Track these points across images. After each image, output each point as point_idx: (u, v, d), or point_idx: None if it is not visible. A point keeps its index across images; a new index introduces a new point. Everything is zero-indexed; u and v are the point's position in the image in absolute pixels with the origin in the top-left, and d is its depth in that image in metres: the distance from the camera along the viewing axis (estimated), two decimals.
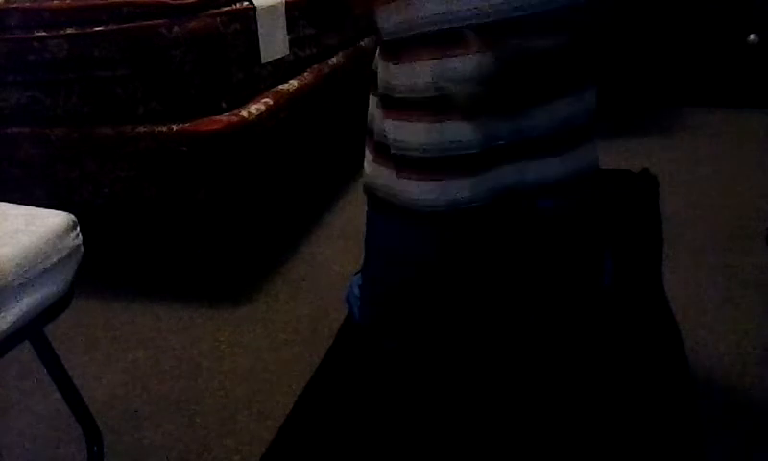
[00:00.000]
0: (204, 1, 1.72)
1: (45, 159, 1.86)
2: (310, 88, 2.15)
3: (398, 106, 0.94)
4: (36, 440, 1.43)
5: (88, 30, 1.72)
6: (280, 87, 2.02)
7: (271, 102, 1.90)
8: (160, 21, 1.67)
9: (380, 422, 1.08)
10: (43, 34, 1.75)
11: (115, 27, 1.70)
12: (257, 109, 1.83)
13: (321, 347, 1.49)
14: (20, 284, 1.01)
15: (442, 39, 0.87)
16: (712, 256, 1.89)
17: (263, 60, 1.94)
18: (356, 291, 1.15)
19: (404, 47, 0.91)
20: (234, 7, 1.82)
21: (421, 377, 1.02)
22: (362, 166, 1.08)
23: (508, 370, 1.00)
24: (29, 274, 1.03)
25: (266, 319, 1.78)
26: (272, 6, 1.97)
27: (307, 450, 1.22)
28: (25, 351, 1.17)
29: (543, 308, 0.99)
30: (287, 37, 2.06)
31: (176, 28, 1.67)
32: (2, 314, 0.99)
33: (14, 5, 1.81)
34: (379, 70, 0.99)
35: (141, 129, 1.76)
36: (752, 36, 2.67)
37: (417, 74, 0.90)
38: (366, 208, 1.07)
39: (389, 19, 0.92)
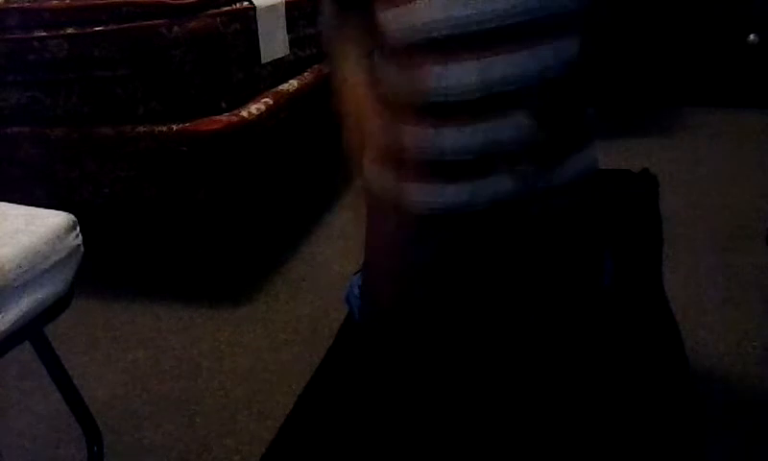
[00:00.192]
0: (204, 1, 1.72)
1: (45, 159, 1.86)
2: (310, 88, 2.14)
3: (399, 110, 0.94)
4: (36, 440, 1.43)
5: (88, 30, 1.71)
6: (280, 87, 2.02)
7: (271, 102, 1.90)
8: (160, 21, 1.67)
9: (380, 421, 1.08)
10: (43, 34, 1.74)
11: (115, 27, 1.70)
12: (257, 109, 1.83)
13: (321, 347, 1.49)
14: (20, 284, 1.02)
15: (444, 45, 0.86)
16: (712, 256, 1.88)
17: (263, 60, 1.94)
18: (356, 291, 1.15)
19: (406, 52, 0.91)
20: (234, 7, 1.82)
21: (421, 378, 1.02)
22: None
23: (508, 370, 1.00)
24: (29, 274, 1.03)
25: (266, 319, 1.78)
26: (272, 6, 1.97)
27: (307, 450, 1.22)
28: (25, 352, 1.17)
29: (544, 308, 0.99)
30: (287, 37, 2.06)
31: (176, 28, 1.67)
32: (2, 314, 0.99)
33: (14, 5, 1.81)
34: (380, 74, 0.99)
35: (141, 129, 1.76)
36: (752, 36, 2.66)
37: (418, 79, 0.90)
38: (365, 209, 1.07)
39: (391, 24, 0.92)
